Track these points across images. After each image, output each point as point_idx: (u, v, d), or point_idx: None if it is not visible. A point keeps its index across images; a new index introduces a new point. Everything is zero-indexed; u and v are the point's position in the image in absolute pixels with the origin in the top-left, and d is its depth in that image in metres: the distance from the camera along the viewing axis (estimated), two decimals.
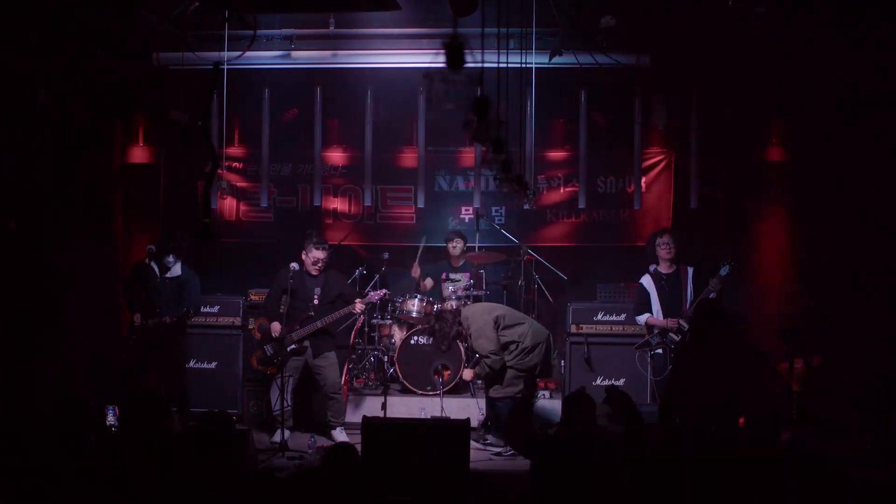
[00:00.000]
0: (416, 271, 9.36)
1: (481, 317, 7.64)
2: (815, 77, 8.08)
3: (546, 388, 8.86)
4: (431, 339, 8.17)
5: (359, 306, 8.03)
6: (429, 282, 9.35)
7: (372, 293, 8.29)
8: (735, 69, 8.18)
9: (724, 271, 7.60)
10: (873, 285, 8.28)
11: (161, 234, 8.04)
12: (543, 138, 9.44)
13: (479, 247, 9.40)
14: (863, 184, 8.48)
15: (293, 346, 7.86)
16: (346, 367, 8.72)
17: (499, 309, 7.83)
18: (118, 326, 8.76)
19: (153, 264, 7.82)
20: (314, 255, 7.97)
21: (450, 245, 9.24)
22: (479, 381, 8.28)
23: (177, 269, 7.88)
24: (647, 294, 7.94)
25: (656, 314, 7.90)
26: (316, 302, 7.95)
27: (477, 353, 7.67)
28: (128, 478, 4.46)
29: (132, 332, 7.64)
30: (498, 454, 7.58)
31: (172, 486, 4.47)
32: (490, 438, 7.89)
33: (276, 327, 7.88)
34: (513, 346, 7.57)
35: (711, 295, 7.60)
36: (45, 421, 5.09)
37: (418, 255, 9.42)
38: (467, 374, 8.20)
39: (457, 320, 7.78)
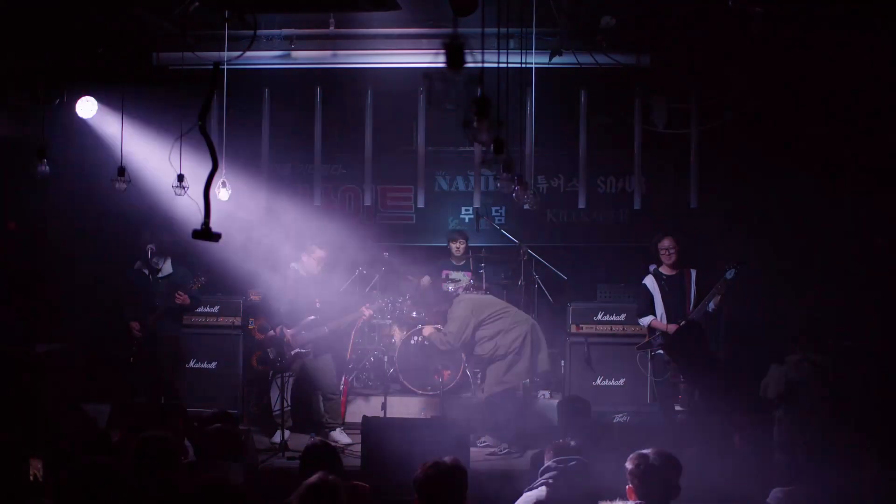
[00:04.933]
0: (426, 281, 9.35)
1: (467, 308, 7.72)
2: (815, 76, 8.08)
3: (546, 388, 8.88)
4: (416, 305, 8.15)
5: (367, 312, 8.03)
6: (426, 279, 9.35)
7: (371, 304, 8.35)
8: (735, 69, 8.18)
9: (729, 275, 7.57)
10: (874, 286, 8.27)
11: (143, 236, 8.05)
12: (543, 138, 9.45)
13: (479, 247, 9.42)
14: (863, 183, 8.47)
15: (299, 351, 7.84)
16: (346, 368, 8.73)
17: (485, 311, 7.81)
18: (118, 327, 8.76)
19: (144, 268, 7.84)
20: (318, 254, 7.96)
21: (452, 246, 9.25)
22: (478, 380, 8.28)
23: (168, 268, 7.88)
24: (651, 296, 7.91)
25: (660, 316, 7.88)
26: (318, 305, 7.95)
27: (445, 330, 7.72)
28: (129, 480, 4.45)
29: (136, 340, 7.67)
30: (492, 453, 7.58)
31: (174, 489, 4.46)
32: (487, 440, 7.86)
33: (281, 332, 7.82)
34: (501, 347, 7.62)
35: (716, 298, 7.57)
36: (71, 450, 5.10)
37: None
38: (427, 329, 8.00)
39: (446, 301, 7.82)
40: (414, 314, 8.87)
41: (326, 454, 4.64)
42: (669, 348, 7.56)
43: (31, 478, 4.69)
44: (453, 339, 7.65)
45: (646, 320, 7.96)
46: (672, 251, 7.87)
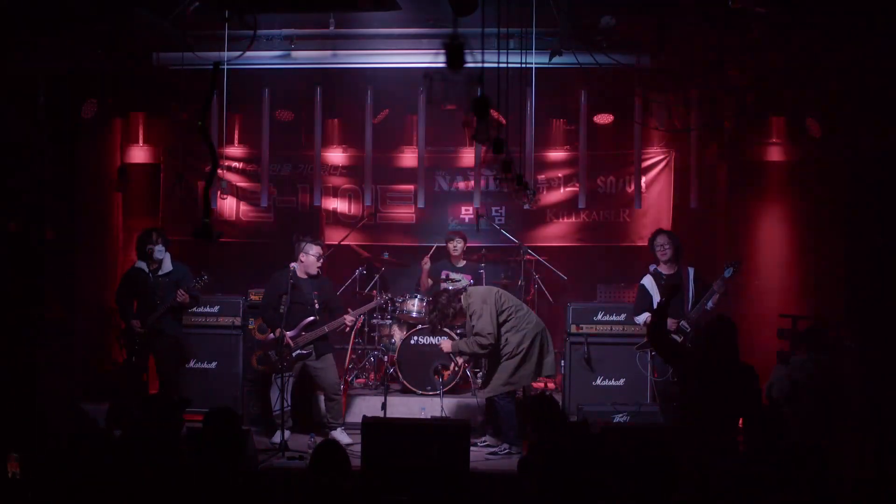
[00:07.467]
0: (426, 263, 9.27)
1: (483, 295, 7.62)
2: (815, 76, 8.08)
3: (547, 388, 8.88)
4: (430, 315, 7.94)
5: (349, 318, 7.98)
6: (429, 281, 9.34)
7: (362, 307, 8.29)
8: (735, 69, 8.18)
9: (728, 273, 7.56)
10: (874, 286, 8.26)
11: (143, 231, 8.06)
12: (543, 138, 9.45)
13: (479, 247, 9.42)
14: (863, 183, 8.47)
15: (300, 352, 7.84)
16: (346, 368, 8.72)
17: (502, 302, 7.79)
18: (118, 327, 8.78)
19: (143, 266, 7.85)
20: (315, 251, 7.95)
21: (450, 245, 9.25)
22: (478, 380, 8.28)
23: (167, 265, 7.89)
24: (650, 295, 7.90)
25: None
26: (317, 305, 7.95)
27: (475, 332, 7.55)
28: (129, 479, 4.46)
29: (137, 338, 7.69)
30: (493, 454, 7.57)
31: (174, 486, 4.47)
32: (487, 440, 7.86)
33: (283, 335, 7.80)
34: (510, 344, 7.55)
35: (715, 297, 7.57)
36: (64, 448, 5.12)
37: (431, 251, 9.36)
38: (445, 345, 7.93)
39: (457, 297, 7.67)
40: (414, 314, 8.88)
41: (336, 452, 4.64)
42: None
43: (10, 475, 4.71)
44: (492, 329, 7.45)
45: (641, 318, 7.94)
46: (666, 247, 7.88)
